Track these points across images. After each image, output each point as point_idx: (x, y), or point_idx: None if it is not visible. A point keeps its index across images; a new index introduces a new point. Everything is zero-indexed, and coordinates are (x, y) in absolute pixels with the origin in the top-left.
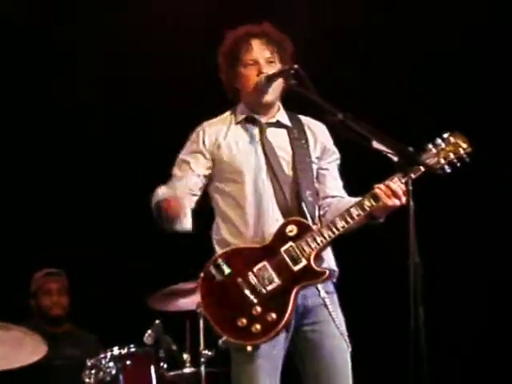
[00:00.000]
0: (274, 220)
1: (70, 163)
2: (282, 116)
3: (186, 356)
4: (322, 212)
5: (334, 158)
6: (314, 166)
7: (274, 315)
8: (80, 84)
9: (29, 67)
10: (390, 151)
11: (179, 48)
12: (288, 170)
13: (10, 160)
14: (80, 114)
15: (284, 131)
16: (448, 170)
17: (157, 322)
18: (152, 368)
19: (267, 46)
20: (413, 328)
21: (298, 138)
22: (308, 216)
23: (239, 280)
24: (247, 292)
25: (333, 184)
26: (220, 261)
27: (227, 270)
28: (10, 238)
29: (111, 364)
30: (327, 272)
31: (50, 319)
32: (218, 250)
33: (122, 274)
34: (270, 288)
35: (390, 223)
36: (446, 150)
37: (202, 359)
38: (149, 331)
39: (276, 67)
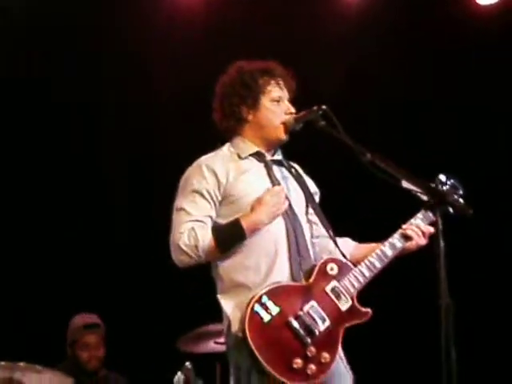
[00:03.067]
0: (284, 258)
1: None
2: (280, 154)
3: None
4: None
5: (318, 197)
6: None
7: (326, 355)
8: None
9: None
10: (419, 190)
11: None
12: (298, 208)
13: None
14: None
15: (284, 170)
16: None
17: (187, 363)
18: None
19: (291, 87)
20: (445, 369)
21: (298, 176)
22: (312, 255)
23: (291, 319)
24: (301, 332)
25: (319, 223)
26: (265, 298)
27: (275, 309)
28: (46, 279)
29: None
30: (370, 312)
31: (87, 372)
32: (230, 287)
33: (151, 315)
34: (322, 328)
35: (420, 263)
36: None
37: None
38: (179, 373)
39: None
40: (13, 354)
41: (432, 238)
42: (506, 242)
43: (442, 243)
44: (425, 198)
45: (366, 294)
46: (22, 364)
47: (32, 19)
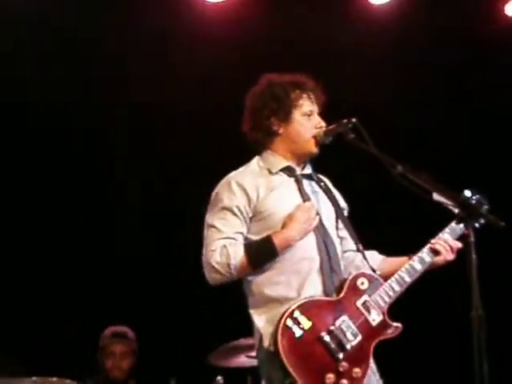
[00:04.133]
0: (316, 273)
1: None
2: (310, 168)
3: None
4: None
5: (346, 212)
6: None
7: (358, 370)
8: None
9: None
10: (450, 203)
11: None
12: (328, 223)
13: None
14: None
15: (314, 184)
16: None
17: (219, 378)
18: None
19: (321, 101)
20: (478, 381)
21: (327, 190)
22: (342, 270)
23: (323, 334)
24: (334, 347)
25: (349, 238)
26: (297, 313)
27: (307, 324)
28: (79, 293)
29: None
30: (400, 326)
31: (109, 381)
32: (261, 305)
33: (183, 330)
34: (354, 343)
35: (453, 275)
36: None
37: None
38: None
39: None
40: (45, 369)
41: (461, 252)
42: None
43: (474, 256)
44: (456, 210)
45: (398, 307)
46: (54, 379)
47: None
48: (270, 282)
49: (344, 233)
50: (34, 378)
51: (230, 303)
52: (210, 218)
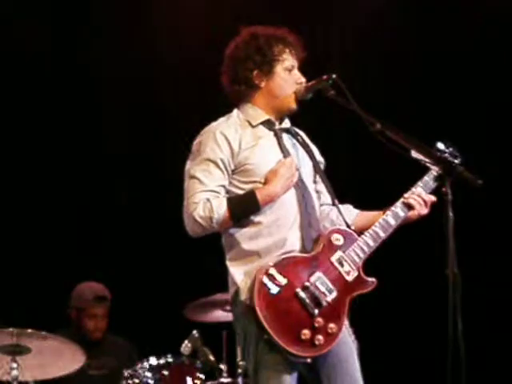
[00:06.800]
0: (296, 228)
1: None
2: (288, 122)
3: (222, 367)
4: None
5: (323, 166)
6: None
7: (333, 326)
8: None
9: None
10: (428, 161)
11: None
12: (307, 177)
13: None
14: None
15: (291, 138)
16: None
17: (194, 332)
18: (189, 379)
19: (301, 56)
20: (451, 338)
21: (305, 145)
22: (320, 225)
23: (298, 290)
24: (309, 302)
25: (325, 192)
26: (273, 270)
27: (283, 280)
28: (52, 246)
29: (148, 374)
30: (375, 281)
31: (90, 342)
32: (246, 262)
33: (159, 284)
34: (329, 299)
35: (429, 233)
36: None
37: (239, 370)
38: (186, 341)
39: None
40: (20, 321)
41: (434, 207)
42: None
43: (451, 214)
44: (435, 167)
45: (372, 264)
46: (29, 330)
47: None
48: (250, 236)
49: (321, 187)
50: (9, 330)
51: (205, 257)
52: (192, 169)
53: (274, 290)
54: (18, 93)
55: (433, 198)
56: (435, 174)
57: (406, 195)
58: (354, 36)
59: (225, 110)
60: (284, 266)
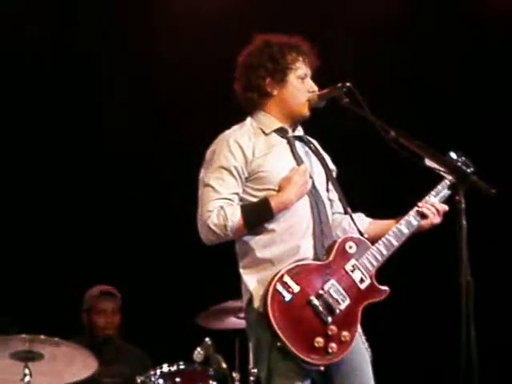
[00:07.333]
0: (309, 236)
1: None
2: (301, 130)
3: (235, 374)
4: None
5: (335, 174)
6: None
7: (346, 334)
8: None
9: None
10: (442, 169)
11: None
12: (320, 186)
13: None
14: None
15: (304, 145)
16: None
17: (206, 339)
18: None
19: (314, 65)
20: (464, 347)
21: (318, 153)
22: (333, 233)
23: (312, 298)
24: (322, 310)
25: (338, 200)
26: (287, 277)
27: (297, 288)
28: (63, 254)
29: (161, 381)
30: (388, 290)
31: (102, 339)
32: (259, 269)
33: (171, 291)
34: (342, 307)
35: (442, 241)
36: None
37: (252, 378)
38: (198, 349)
39: None
40: (32, 327)
41: (447, 215)
42: None
43: (464, 222)
44: (448, 176)
45: (385, 273)
46: (41, 337)
47: None
48: (263, 244)
49: (333, 195)
50: (22, 336)
51: (219, 264)
52: (206, 177)
53: (288, 297)
54: (18, 93)
55: (445, 208)
56: (448, 182)
57: (419, 204)
58: (367, 45)
59: (225, 110)
60: (297, 273)
